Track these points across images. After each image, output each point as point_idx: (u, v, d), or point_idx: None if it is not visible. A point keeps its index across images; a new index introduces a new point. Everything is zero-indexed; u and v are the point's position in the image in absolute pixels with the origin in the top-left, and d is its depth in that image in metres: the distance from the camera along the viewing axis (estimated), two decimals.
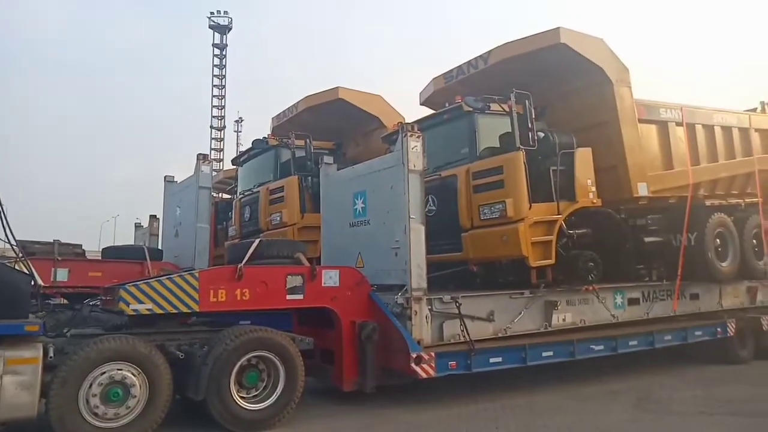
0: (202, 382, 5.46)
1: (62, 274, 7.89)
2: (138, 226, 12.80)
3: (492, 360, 6.89)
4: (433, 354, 6.39)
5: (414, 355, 6.20)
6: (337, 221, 8.13)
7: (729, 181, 9.96)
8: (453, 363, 6.59)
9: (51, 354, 4.99)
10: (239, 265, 6.14)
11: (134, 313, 5.57)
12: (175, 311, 5.74)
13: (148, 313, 5.62)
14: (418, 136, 6.94)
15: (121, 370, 5.16)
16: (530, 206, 7.31)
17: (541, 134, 7.68)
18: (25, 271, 5.65)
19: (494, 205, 7.37)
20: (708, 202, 9.37)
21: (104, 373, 5.09)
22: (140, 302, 5.57)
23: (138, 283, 5.79)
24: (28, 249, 6.81)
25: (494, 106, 7.84)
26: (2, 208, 5.38)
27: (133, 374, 5.20)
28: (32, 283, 5.50)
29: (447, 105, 8.38)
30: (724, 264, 9.35)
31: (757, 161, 10.23)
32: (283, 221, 9.79)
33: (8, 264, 5.59)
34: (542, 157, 7.71)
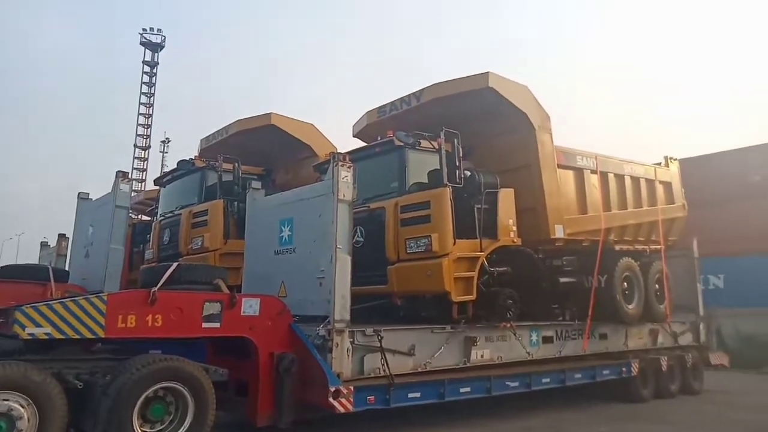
0: (102, 415, 5.04)
1: None
2: (44, 245, 11.88)
3: (411, 395, 6.88)
4: (351, 388, 6.29)
5: (332, 389, 6.07)
6: (262, 248, 7.94)
7: (636, 227, 10.71)
8: (371, 397, 6.52)
9: None
10: (153, 289, 5.81)
11: (30, 338, 5.11)
12: (77, 336, 5.31)
13: (45, 337, 5.17)
14: (350, 167, 6.98)
15: (7, 400, 4.67)
16: (455, 242, 7.49)
17: (468, 173, 7.96)
18: None
19: (420, 239, 7.49)
20: (617, 247, 10.02)
21: None
22: (38, 325, 5.12)
23: (37, 304, 5.32)
24: None
25: (424, 143, 8.05)
26: None
27: (21, 405, 4.72)
28: None
29: (379, 138, 8.53)
30: (630, 306, 9.97)
31: (661, 211, 11.09)
32: (205, 246, 9.44)
33: None
34: (468, 195, 7.96)
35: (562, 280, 9.26)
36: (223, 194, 9.83)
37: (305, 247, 7.20)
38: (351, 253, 6.81)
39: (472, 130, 8.57)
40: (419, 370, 7.21)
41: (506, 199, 8.37)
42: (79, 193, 9.71)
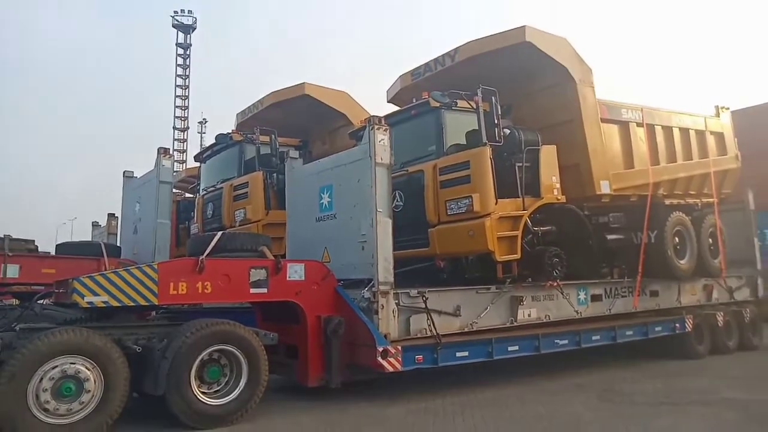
0: (161, 377, 5.24)
1: (13, 270, 7.49)
2: (95, 225, 12.33)
3: (459, 354, 6.87)
4: (399, 348, 6.33)
5: (380, 349, 6.12)
6: (303, 216, 8.00)
7: (687, 181, 10.27)
8: (420, 357, 6.55)
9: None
10: (200, 257, 5.96)
11: (89, 306, 5.33)
12: (132, 304, 5.51)
13: (103, 305, 5.38)
14: (386, 130, 6.91)
15: (74, 364, 4.91)
16: (496, 201, 7.35)
17: (507, 131, 7.75)
18: None
19: (461, 200, 7.38)
20: (667, 201, 9.65)
21: (56, 367, 4.83)
22: (96, 294, 5.33)
23: (94, 275, 5.53)
24: None
25: (461, 103, 7.86)
26: None
27: (87, 368, 4.96)
28: None
29: (414, 101, 8.39)
30: (682, 262, 9.63)
31: (713, 163, 10.60)
32: (247, 218, 9.58)
33: None
34: (508, 153, 7.77)
35: (610, 237, 9.00)
36: (262, 166, 9.91)
37: (346, 213, 7.22)
38: (391, 216, 6.79)
39: (510, 87, 8.33)
40: (466, 330, 7.19)
41: (548, 156, 8.14)
42: (124, 172, 9.99)
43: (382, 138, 6.84)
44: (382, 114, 8.60)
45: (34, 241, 8.27)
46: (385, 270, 6.58)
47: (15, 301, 8.44)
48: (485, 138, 7.43)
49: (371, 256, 6.61)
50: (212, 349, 5.57)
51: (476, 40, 8.54)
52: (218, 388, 5.64)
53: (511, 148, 7.76)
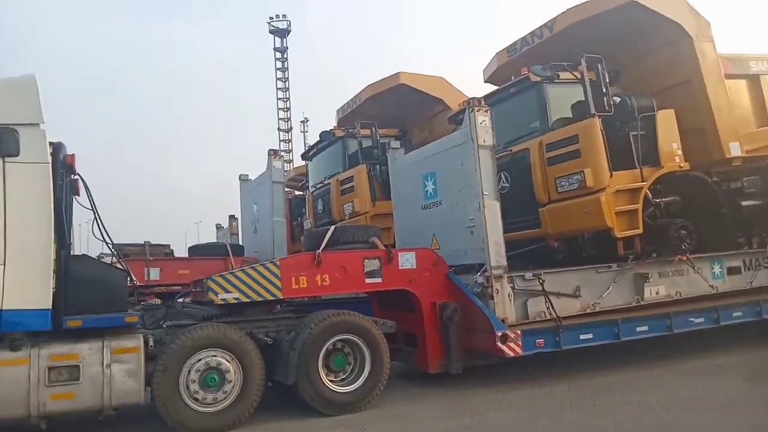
0: (291, 366, 5.59)
1: (154, 273, 8.37)
2: (219, 227, 13.35)
3: (582, 336, 6.60)
4: (518, 332, 6.22)
5: (499, 334, 6.06)
6: (409, 205, 8.09)
7: None
8: (540, 341, 6.39)
9: (151, 344, 5.28)
10: (317, 252, 6.24)
11: (222, 302, 5.79)
12: (260, 299, 5.91)
13: (235, 302, 5.82)
14: (486, 111, 6.78)
15: (215, 356, 5.38)
16: (611, 175, 6.93)
17: (617, 99, 7.28)
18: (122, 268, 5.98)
19: (572, 176, 7.05)
20: None
21: (200, 359, 5.33)
22: (227, 291, 5.78)
23: (224, 273, 6.01)
24: (122, 250, 7.21)
25: (564, 74, 7.47)
26: (97, 214, 5.75)
27: (227, 360, 5.41)
28: (129, 280, 5.83)
29: (513, 78, 8.12)
30: None
31: None
32: (356, 210, 9.87)
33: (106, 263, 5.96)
34: (620, 122, 7.30)
35: (745, 203, 8.12)
36: (365, 159, 10.14)
37: (451, 199, 7.19)
38: (499, 199, 6.66)
39: (615, 53, 7.81)
40: (588, 311, 6.90)
41: (666, 121, 7.52)
42: (240, 176, 10.70)
43: (482, 119, 6.72)
44: (480, 95, 8.48)
45: (169, 245, 9.14)
46: (496, 254, 6.48)
47: (157, 301, 9.38)
48: (593, 109, 7.03)
49: (481, 241, 6.55)
50: (336, 339, 5.84)
51: (575, 7, 8.06)
52: (344, 376, 5.91)
53: (623, 116, 7.29)
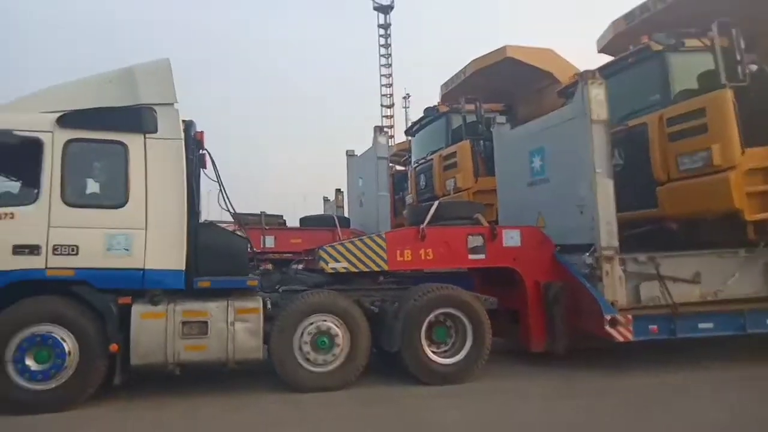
0: (395, 335, 5.81)
1: (269, 241, 8.99)
2: (326, 200, 13.96)
3: (701, 325, 6.20)
4: (630, 317, 5.96)
5: (608, 318, 5.86)
6: (514, 182, 7.95)
7: None
8: (654, 327, 6.10)
9: (269, 306, 5.73)
10: (421, 226, 6.37)
11: (332, 272, 6.12)
12: (367, 270, 6.18)
13: (344, 271, 6.13)
14: (600, 83, 6.46)
15: (325, 321, 5.74)
16: (743, 151, 6.33)
17: (754, 67, 6.59)
18: (243, 236, 6.50)
19: (696, 153, 6.51)
20: None
21: (312, 323, 5.71)
22: (337, 261, 6.10)
23: (334, 244, 6.33)
24: (242, 219, 7.81)
25: (690, 42, 6.91)
26: (222, 186, 6.28)
27: (336, 325, 5.75)
28: (249, 247, 6.33)
29: (631, 48, 7.61)
30: None
31: None
32: (458, 186, 9.86)
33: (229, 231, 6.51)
34: (756, 94, 6.60)
35: None
36: (469, 134, 10.05)
37: (560, 175, 6.98)
38: (612, 176, 6.36)
39: (751, 16, 7.02)
40: (708, 299, 6.44)
41: None
42: (346, 151, 11.06)
43: (597, 93, 6.42)
44: (593, 67, 8.05)
45: (282, 215, 9.74)
46: (608, 234, 6.23)
47: (270, 266, 10.06)
48: (725, 78, 6.42)
49: (591, 219, 6.32)
50: (438, 311, 5.98)
51: None
52: (446, 348, 6.04)
53: (761, 86, 6.58)
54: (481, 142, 9.92)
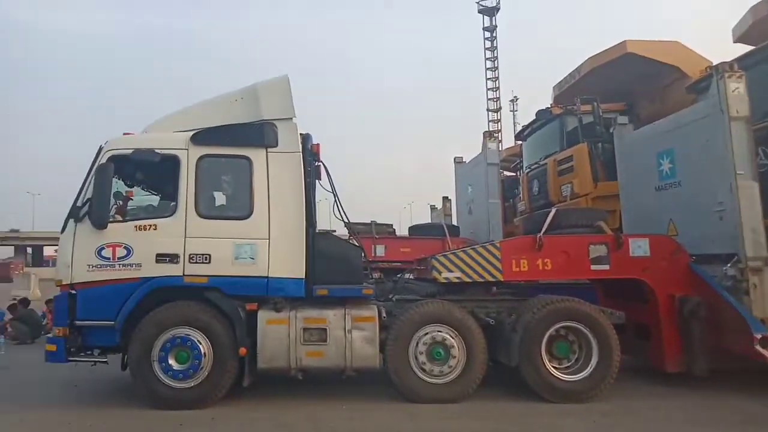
0: (514, 349, 5.59)
1: (380, 250, 9.12)
2: (433, 208, 13.92)
3: None
4: None
5: (758, 336, 5.22)
6: (640, 186, 7.40)
7: None
8: None
9: (384, 315, 5.78)
10: (538, 235, 6.10)
11: (445, 281, 6.04)
12: (481, 280, 6.02)
13: (457, 281, 6.03)
14: (740, 76, 5.84)
15: (440, 332, 5.67)
16: None
17: None
18: (357, 245, 6.63)
19: None
20: None
21: (427, 333, 5.66)
22: (450, 271, 6.01)
23: (446, 253, 6.25)
24: (354, 229, 8.00)
25: None
26: (337, 196, 6.46)
27: (451, 336, 5.66)
28: (363, 256, 6.44)
29: None
30: None
31: None
32: (575, 192, 9.35)
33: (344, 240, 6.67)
34: None
35: None
36: (586, 137, 9.51)
37: (694, 179, 6.39)
38: (757, 179, 5.70)
39: None
40: None
41: None
42: (454, 158, 10.96)
43: (735, 87, 5.84)
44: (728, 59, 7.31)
45: (392, 224, 9.84)
46: (754, 243, 5.61)
47: (380, 275, 10.21)
48: None
49: (733, 227, 5.73)
50: (559, 325, 5.67)
51: None
52: (569, 365, 5.72)
53: None
54: (600, 144, 9.35)
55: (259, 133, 5.88)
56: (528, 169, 11.16)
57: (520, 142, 12.15)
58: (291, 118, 6.02)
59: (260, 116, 5.92)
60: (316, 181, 6.45)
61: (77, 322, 5.59)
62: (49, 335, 5.93)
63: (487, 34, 41.93)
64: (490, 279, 6.06)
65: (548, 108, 10.54)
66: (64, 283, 5.63)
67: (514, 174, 13.37)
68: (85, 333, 5.66)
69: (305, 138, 6.20)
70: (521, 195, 11.28)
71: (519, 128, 12.87)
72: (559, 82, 11.36)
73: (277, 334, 5.55)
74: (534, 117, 10.93)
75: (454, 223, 11.33)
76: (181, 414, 5.30)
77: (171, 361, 5.46)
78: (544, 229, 6.24)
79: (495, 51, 41.62)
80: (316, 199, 6.38)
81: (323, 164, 6.47)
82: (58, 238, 5.78)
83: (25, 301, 12.00)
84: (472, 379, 5.61)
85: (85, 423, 5.19)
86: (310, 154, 6.27)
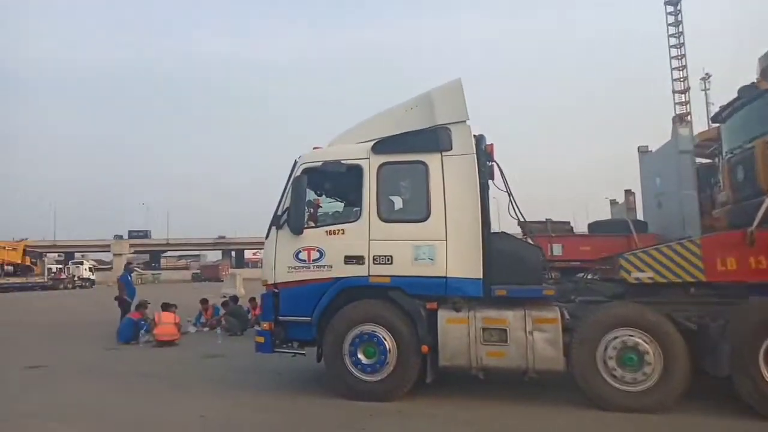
0: (722, 358, 4.97)
1: (557, 249, 8.73)
2: (613, 202, 12.94)
3: None
4: None
5: None
6: None
7: None
8: None
9: (567, 316, 5.55)
10: (749, 229, 5.34)
11: (636, 282, 5.59)
12: (678, 280, 5.47)
13: (649, 281, 5.55)
14: None
15: (632, 336, 5.27)
16: None
17: None
18: (535, 245, 6.46)
19: None
20: None
21: (616, 337, 5.30)
22: (641, 271, 5.56)
23: (636, 252, 5.78)
24: (529, 228, 7.78)
25: None
26: (512, 195, 6.38)
27: (644, 341, 5.23)
28: (542, 255, 6.25)
29: None
30: None
31: None
32: None
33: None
34: None
35: None
36: None
37: None
38: None
39: None
40: None
41: None
42: (638, 147, 10.05)
43: None
44: None
45: (569, 222, 9.37)
46: None
47: (556, 275, 9.77)
48: None
49: None
50: None
51: None
52: None
53: None
54: None
55: (433, 139, 6.06)
56: (730, 154, 9.74)
57: (717, 125, 10.67)
58: (465, 121, 6.10)
59: (434, 122, 6.10)
60: (490, 180, 6.44)
61: (280, 318, 6.31)
62: (257, 328, 6.78)
63: (670, 8, 37.63)
64: (690, 279, 5.47)
65: (753, 83, 9.10)
66: (269, 282, 6.39)
67: (710, 161, 11.80)
68: (287, 327, 6.36)
69: (479, 139, 6.22)
70: (721, 184, 9.90)
71: (715, 109, 11.30)
72: (765, 54, 9.78)
73: (458, 333, 5.65)
74: (736, 95, 9.52)
75: (640, 217, 10.38)
76: (370, 405, 5.66)
77: (360, 356, 5.88)
78: (756, 222, 5.44)
79: (680, 26, 37.18)
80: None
81: (497, 164, 6.43)
82: (257, 242, 6.59)
83: (234, 298, 13.85)
84: (673, 389, 5.11)
85: (295, 405, 5.83)
86: (484, 155, 6.27)
